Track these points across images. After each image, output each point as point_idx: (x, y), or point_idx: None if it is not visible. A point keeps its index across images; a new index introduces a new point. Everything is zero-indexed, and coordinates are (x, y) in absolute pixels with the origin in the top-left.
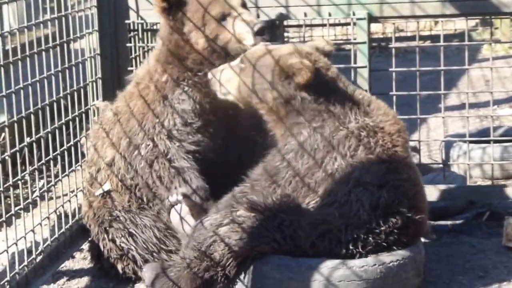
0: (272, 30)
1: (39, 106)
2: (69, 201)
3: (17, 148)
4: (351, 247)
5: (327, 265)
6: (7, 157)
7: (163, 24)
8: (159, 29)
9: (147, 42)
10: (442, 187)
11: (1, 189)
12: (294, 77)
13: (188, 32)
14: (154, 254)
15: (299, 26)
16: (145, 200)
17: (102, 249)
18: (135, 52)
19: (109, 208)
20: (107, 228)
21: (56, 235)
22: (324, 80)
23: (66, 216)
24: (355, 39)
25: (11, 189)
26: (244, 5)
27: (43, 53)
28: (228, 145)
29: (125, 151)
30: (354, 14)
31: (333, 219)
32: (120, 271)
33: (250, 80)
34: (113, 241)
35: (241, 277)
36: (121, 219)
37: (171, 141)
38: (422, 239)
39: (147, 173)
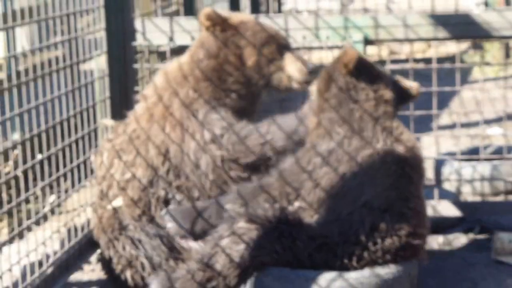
0: None
1: (50, 124)
2: (79, 215)
3: (29, 164)
4: (345, 261)
5: (325, 277)
6: (19, 173)
7: (209, 40)
8: (165, 50)
9: (153, 63)
10: (434, 202)
11: (14, 204)
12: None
13: (243, 46)
14: (162, 261)
15: (297, 49)
16: (157, 217)
17: (111, 257)
18: (142, 73)
19: (119, 218)
20: (117, 236)
21: (66, 248)
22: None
23: (76, 229)
24: None
25: (23, 204)
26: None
27: (54, 74)
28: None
29: (163, 172)
30: (351, 37)
31: (332, 235)
32: (129, 279)
33: None
34: (123, 248)
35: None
36: (130, 228)
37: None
38: None
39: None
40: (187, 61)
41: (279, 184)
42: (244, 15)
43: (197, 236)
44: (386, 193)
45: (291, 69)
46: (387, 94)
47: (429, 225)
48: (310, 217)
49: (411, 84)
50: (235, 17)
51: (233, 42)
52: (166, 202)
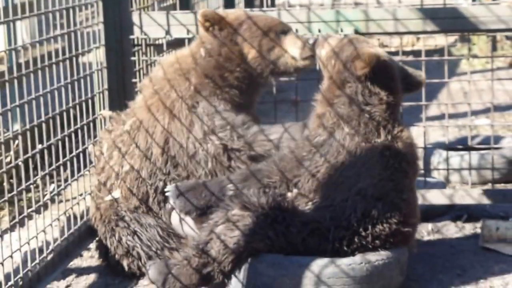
0: None
1: (50, 115)
2: (78, 203)
3: (29, 154)
4: (337, 245)
5: (317, 263)
6: (20, 163)
7: (209, 39)
8: (162, 43)
9: (150, 56)
10: (423, 191)
11: (15, 192)
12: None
13: (241, 42)
14: (158, 251)
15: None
16: (154, 208)
17: (109, 247)
18: (139, 65)
19: (116, 209)
20: (114, 227)
21: (66, 235)
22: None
23: (75, 217)
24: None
25: (24, 192)
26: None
27: (54, 66)
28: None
29: (161, 162)
30: (342, 31)
31: (324, 220)
32: (126, 267)
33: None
34: (119, 239)
35: (237, 274)
36: (126, 219)
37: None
38: None
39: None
40: (188, 56)
41: (279, 170)
42: (238, 11)
43: (201, 211)
44: (381, 183)
45: (293, 49)
46: (399, 96)
47: (420, 215)
48: (305, 204)
49: (419, 74)
50: (230, 15)
51: (232, 40)
52: (164, 193)
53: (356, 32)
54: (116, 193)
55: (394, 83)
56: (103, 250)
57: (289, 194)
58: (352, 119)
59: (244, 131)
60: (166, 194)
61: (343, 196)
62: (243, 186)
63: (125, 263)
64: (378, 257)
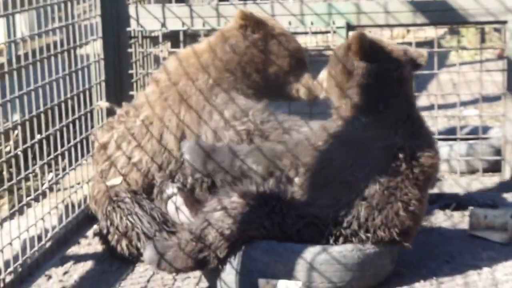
0: None
1: (49, 106)
2: (76, 192)
3: (28, 144)
4: (331, 240)
5: (310, 251)
6: (19, 153)
7: (238, 38)
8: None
9: (146, 48)
10: None
11: (14, 181)
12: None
13: (268, 53)
14: (156, 232)
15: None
16: (154, 197)
17: (108, 228)
18: (135, 57)
19: (115, 191)
20: (114, 208)
21: (64, 223)
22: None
23: (73, 206)
24: (334, 45)
25: (23, 181)
26: None
27: (52, 58)
28: None
29: (177, 155)
30: (334, 23)
31: (325, 217)
32: (125, 248)
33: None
34: (119, 220)
35: (232, 260)
36: (126, 201)
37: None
38: None
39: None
40: (206, 50)
41: (292, 154)
42: (276, 22)
43: (208, 175)
44: (389, 192)
45: (306, 86)
46: (406, 71)
47: (421, 223)
48: (308, 197)
49: (420, 52)
50: (268, 22)
51: (260, 46)
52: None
53: (348, 24)
54: (117, 180)
55: (392, 54)
56: (102, 233)
57: (296, 180)
58: (368, 107)
59: (268, 117)
60: (182, 148)
61: (349, 199)
62: (252, 161)
63: (123, 244)
64: (369, 245)
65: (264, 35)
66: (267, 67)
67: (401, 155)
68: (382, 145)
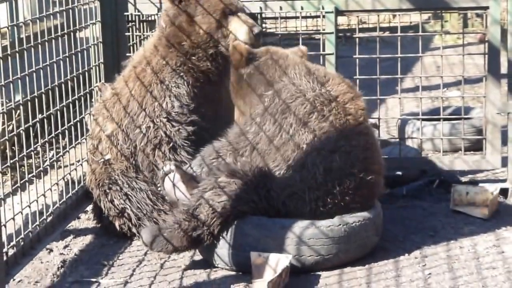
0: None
1: (49, 87)
2: (75, 169)
3: (30, 123)
4: (313, 206)
5: (299, 225)
6: (21, 131)
7: (169, 8)
8: (155, 19)
9: (143, 32)
10: (398, 158)
11: (17, 159)
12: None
13: (195, 14)
14: (147, 213)
15: (275, 18)
16: (141, 167)
17: (102, 208)
18: (133, 40)
19: (109, 173)
20: (107, 190)
21: (64, 199)
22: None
23: (73, 182)
24: (324, 29)
25: (25, 159)
26: (244, 10)
27: (53, 41)
28: (214, 124)
29: (126, 127)
30: (323, 8)
31: (296, 183)
32: (118, 228)
33: None
34: (112, 201)
35: (225, 235)
36: (119, 183)
37: (171, 123)
38: (380, 203)
39: (149, 152)
40: (157, 31)
41: (228, 142)
42: None
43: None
44: (326, 135)
45: (238, 33)
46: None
47: (383, 161)
48: (279, 170)
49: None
50: None
51: (187, 11)
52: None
53: (336, 9)
54: (107, 155)
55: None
56: (98, 211)
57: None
58: (268, 83)
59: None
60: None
61: (300, 154)
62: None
63: (117, 223)
64: (355, 219)
65: (190, 1)
66: (198, 29)
67: (317, 102)
68: (300, 101)
